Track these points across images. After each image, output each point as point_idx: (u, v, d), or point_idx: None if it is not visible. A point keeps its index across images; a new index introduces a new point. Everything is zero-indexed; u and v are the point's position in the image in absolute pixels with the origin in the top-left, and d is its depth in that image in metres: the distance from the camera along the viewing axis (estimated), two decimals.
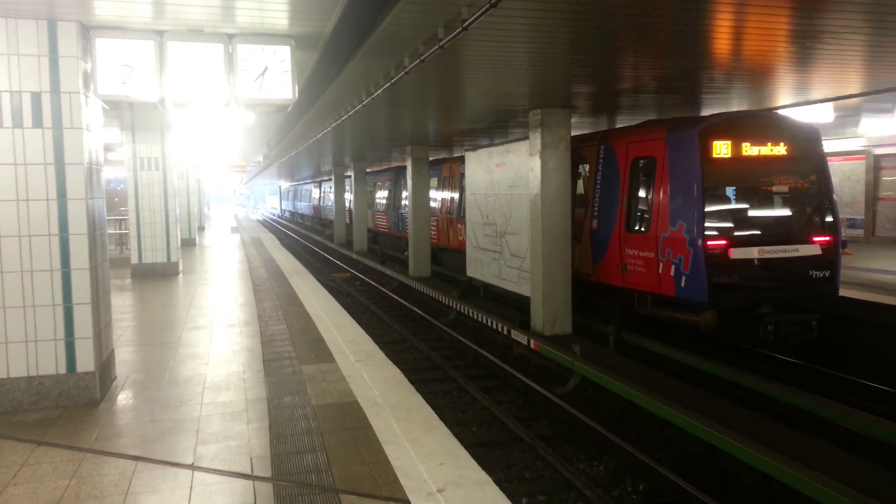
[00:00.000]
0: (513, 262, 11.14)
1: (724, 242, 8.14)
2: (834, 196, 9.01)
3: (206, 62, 5.46)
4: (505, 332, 10.57)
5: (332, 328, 8.61)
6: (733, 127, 8.51)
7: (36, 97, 5.30)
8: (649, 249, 8.86)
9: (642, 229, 9.03)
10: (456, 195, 16.38)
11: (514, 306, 11.45)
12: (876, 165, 12.11)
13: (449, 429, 5.02)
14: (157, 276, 13.55)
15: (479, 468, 4.30)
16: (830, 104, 9.79)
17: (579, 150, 10.40)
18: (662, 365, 9.22)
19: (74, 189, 5.41)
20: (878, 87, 8.47)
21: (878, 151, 12.17)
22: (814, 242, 8.51)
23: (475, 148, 13.04)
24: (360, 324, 9.19)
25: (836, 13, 5.08)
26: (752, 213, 8.55)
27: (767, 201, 8.68)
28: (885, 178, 12.02)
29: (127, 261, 14.66)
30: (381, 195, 23.74)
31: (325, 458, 4.47)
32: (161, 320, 9.21)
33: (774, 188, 8.65)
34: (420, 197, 16.35)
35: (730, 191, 8.60)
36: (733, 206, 8.56)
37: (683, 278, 8.28)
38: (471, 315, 12.00)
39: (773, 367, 9.34)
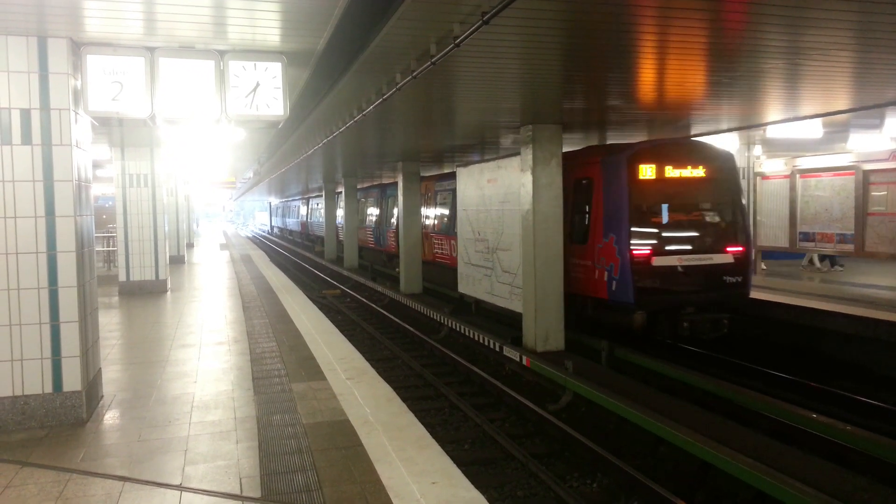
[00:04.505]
0: (505, 278, 11.12)
1: (647, 252, 9.33)
2: (746, 210, 10.21)
3: (197, 78, 5.44)
4: (497, 349, 10.53)
5: (322, 345, 8.54)
6: (658, 153, 9.72)
7: (25, 114, 5.27)
8: (588, 258, 10.06)
9: (583, 241, 10.13)
10: (430, 211, 17.01)
11: (507, 322, 11.42)
12: (865, 181, 12.19)
13: (441, 447, 4.97)
14: (145, 294, 13.45)
15: (471, 487, 4.26)
16: (819, 120, 9.88)
17: None
18: (655, 381, 9.21)
19: (63, 206, 5.37)
20: (866, 104, 8.56)
21: (867, 167, 12.25)
22: (727, 252, 9.73)
23: (466, 163, 13.07)
24: (350, 341, 9.13)
25: (825, 30, 5.13)
26: (673, 226, 9.71)
27: (687, 216, 9.88)
28: (875, 193, 12.10)
29: (115, 278, 14.56)
30: (365, 211, 24.18)
31: (316, 477, 4.41)
32: (149, 338, 9.12)
33: (693, 205, 9.89)
34: (411, 213, 16.36)
35: (654, 207, 9.68)
36: (656, 220, 9.65)
37: (614, 283, 9.46)
38: (462, 332, 11.95)
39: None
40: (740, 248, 9.82)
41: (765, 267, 15.43)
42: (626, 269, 9.20)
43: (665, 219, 9.66)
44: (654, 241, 9.43)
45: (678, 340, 10.45)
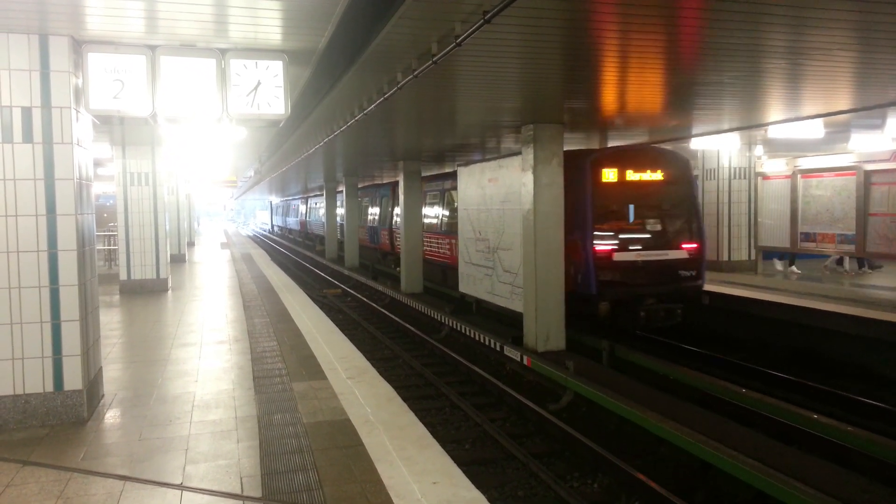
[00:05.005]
0: (505, 277, 11.12)
1: (609, 248, 10.21)
2: (701, 210, 11.15)
3: (198, 77, 5.44)
4: (498, 349, 10.53)
5: (323, 345, 8.54)
6: (619, 157, 10.65)
7: (27, 112, 5.26)
8: None
9: None
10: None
11: (507, 322, 11.42)
12: (866, 181, 12.17)
13: (442, 446, 4.96)
14: (146, 293, 13.45)
15: (472, 486, 4.25)
16: (820, 120, 9.86)
17: None
18: (655, 381, 9.20)
19: (64, 205, 5.37)
20: (868, 104, 8.55)
21: (869, 167, 12.23)
22: (682, 248, 10.64)
23: (468, 163, 13.07)
24: (351, 340, 9.12)
25: (827, 30, 5.12)
26: (632, 225, 10.54)
27: (645, 216, 10.66)
28: (876, 193, 12.08)
29: (116, 277, 14.55)
30: (360, 211, 24.82)
31: (317, 476, 4.40)
32: (150, 337, 9.12)
33: (651, 205, 10.69)
34: (412, 212, 16.34)
35: (615, 208, 10.50)
36: (617, 219, 10.48)
37: (579, 276, 10.26)
38: (463, 331, 11.94)
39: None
40: (694, 245, 10.77)
41: (779, 268, 15.24)
42: (590, 264, 10.05)
43: (625, 218, 10.54)
44: (615, 239, 10.30)
45: (637, 329, 11.30)
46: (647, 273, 10.32)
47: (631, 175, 10.51)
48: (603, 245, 10.19)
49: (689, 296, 10.86)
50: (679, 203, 10.93)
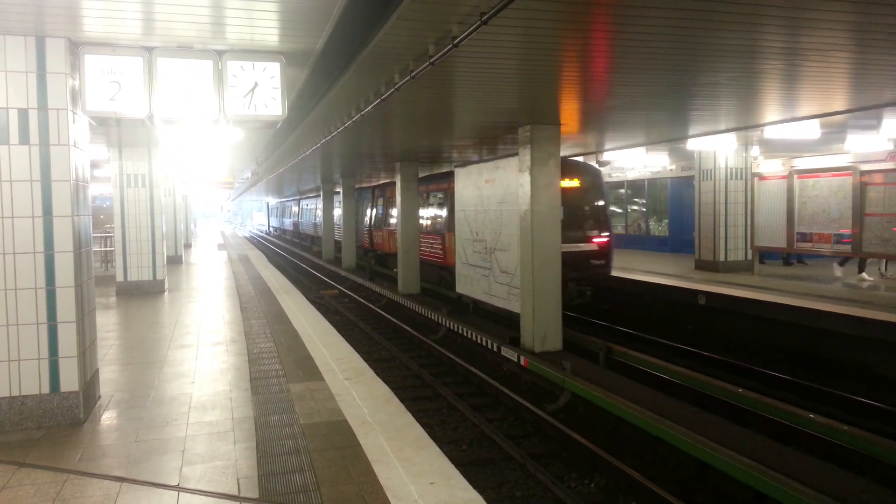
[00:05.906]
0: (502, 278, 11.13)
1: None
2: (609, 211, 13.62)
3: (195, 78, 5.43)
4: (495, 349, 10.53)
5: (320, 346, 8.53)
6: None
7: (23, 114, 5.26)
8: None
9: None
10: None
11: (505, 323, 11.43)
12: (862, 182, 12.21)
13: (439, 447, 4.96)
14: (142, 294, 13.43)
15: (469, 487, 4.25)
16: (817, 121, 9.89)
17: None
18: (652, 381, 9.21)
19: (60, 206, 5.36)
20: (864, 104, 8.57)
21: (865, 167, 12.27)
22: (593, 242, 12.92)
23: (465, 164, 13.08)
24: (348, 341, 9.12)
25: (822, 31, 5.14)
26: None
27: (566, 216, 11.66)
28: (872, 194, 12.12)
29: (112, 278, 14.54)
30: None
31: (314, 477, 4.40)
32: (146, 339, 9.11)
33: (570, 207, 12.24)
34: (409, 213, 16.32)
35: None
36: None
37: None
38: (460, 332, 11.95)
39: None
40: (604, 240, 12.97)
41: (839, 274, 14.17)
42: None
43: None
44: None
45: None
46: (567, 262, 11.35)
47: None
48: None
49: (599, 280, 13.14)
50: (592, 205, 13.11)
